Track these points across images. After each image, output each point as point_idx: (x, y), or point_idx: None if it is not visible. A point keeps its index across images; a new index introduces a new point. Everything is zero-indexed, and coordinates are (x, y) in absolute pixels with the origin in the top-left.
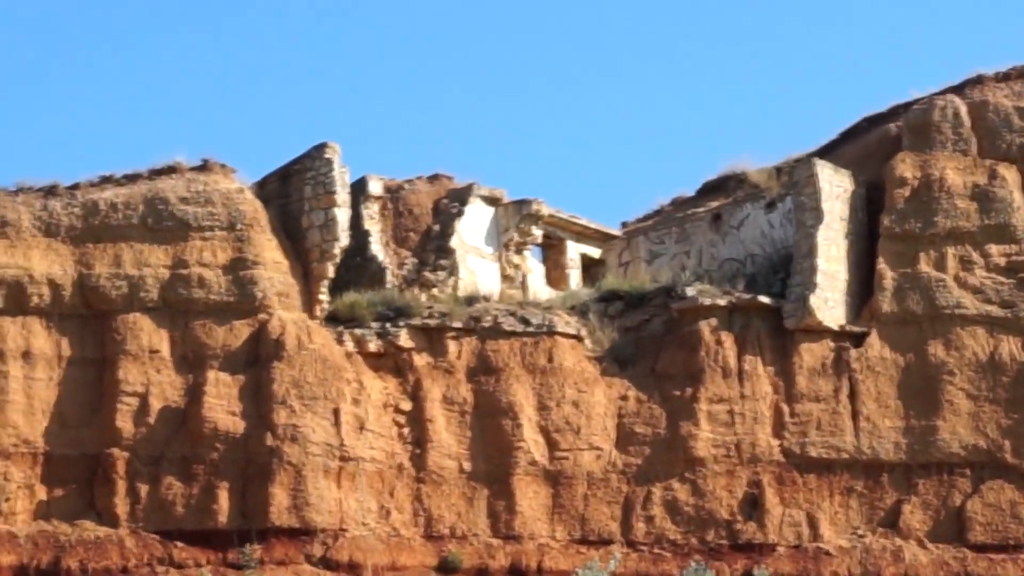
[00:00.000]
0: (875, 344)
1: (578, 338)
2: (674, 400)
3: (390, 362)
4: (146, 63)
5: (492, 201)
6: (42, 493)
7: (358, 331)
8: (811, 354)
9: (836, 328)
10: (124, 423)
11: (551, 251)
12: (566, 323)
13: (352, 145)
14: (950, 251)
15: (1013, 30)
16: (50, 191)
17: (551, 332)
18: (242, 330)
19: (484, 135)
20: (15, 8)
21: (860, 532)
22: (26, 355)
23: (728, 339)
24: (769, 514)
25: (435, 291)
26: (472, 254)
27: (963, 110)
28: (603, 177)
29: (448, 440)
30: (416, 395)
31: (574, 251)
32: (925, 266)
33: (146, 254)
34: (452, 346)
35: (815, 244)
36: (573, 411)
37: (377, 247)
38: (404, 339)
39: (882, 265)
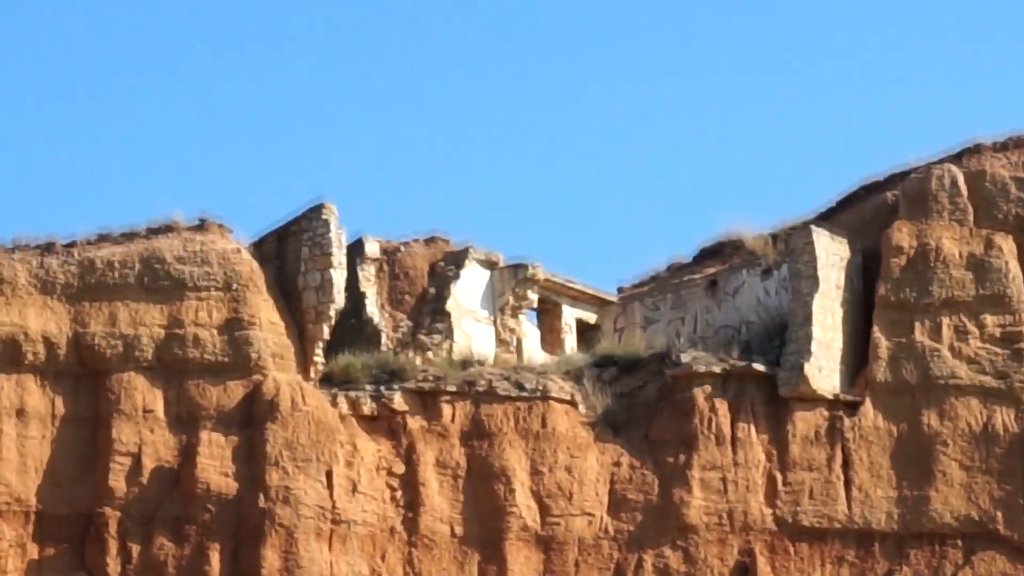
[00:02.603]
0: (869, 413)
1: (572, 403)
2: (667, 466)
3: (384, 425)
4: (145, 121)
5: (488, 264)
6: (34, 551)
7: (352, 393)
8: (805, 422)
9: (830, 396)
10: (117, 482)
11: (546, 315)
12: (560, 388)
13: (349, 206)
14: (945, 321)
15: (1012, 99)
16: (47, 248)
17: (545, 397)
18: (236, 390)
19: (481, 197)
20: (14, 64)
21: None
22: (20, 412)
23: (722, 406)
24: None
25: (430, 354)
26: (467, 317)
27: (960, 179)
28: (600, 241)
29: (441, 504)
30: (409, 458)
31: (569, 315)
32: (920, 335)
33: (141, 313)
34: (446, 409)
35: (810, 312)
36: (566, 476)
37: (373, 309)
38: (398, 402)
39: (877, 334)
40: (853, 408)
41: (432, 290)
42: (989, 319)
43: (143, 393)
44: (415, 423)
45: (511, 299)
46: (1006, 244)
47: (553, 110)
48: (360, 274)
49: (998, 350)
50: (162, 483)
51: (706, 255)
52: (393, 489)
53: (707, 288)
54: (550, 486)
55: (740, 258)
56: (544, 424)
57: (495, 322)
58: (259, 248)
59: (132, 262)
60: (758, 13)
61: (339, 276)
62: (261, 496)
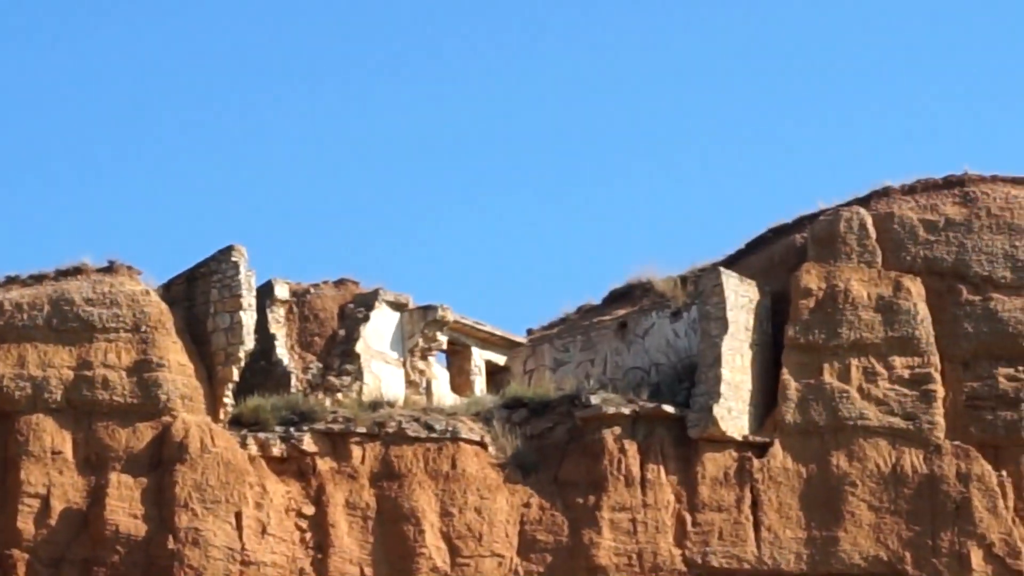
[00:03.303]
0: (778, 454)
1: (482, 445)
2: (577, 508)
3: (293, 466)
4: (54, 164)
5: (398, 307)
6: None
7: (262, 435)
8: (714, 463)
9: (739, 438)
10: (25, 524)
11: (456, 357)
12: (470, 429)
13: (258, 248)
14: (854, 362)
15: (919, 143)
16: None
17: (455, 438)
18: (145, 432)
19: (391, 241)
20: None
21: None
22: None
23: (632, 447)
24: None
25: (340, 396)
26: (377, 359)
27: (869, 221)
28: (509, 284)
29: (350, 545)
30: (319, 500)
31: (479, 358)
32: (829, 377)
33: (51, 355)
34: (356, 451)
35: (720, 354)
36: (476, 517)
37: (282, 351)
38: (308, 443)
39: (786, 375)
40: (762, 449)
41: (342, 332)
42: (898, 361)
43: (52, 435)
44: (325, 464)
45: (420, 341)
46: (914, 286)
47: (465, 156)
48: (270, 316)
49: (907, 391)
50: (71, 525)
51: (616, 297)
52: (303, 531)
53: (617, 330)
54: (460, 527)
55: (650, 300)
56: (454, 465)
57: (405, 364)
58: (168, 290)
59: (41, 304)
60: (667, 57)
61: (249, 318)
62: (170, 538)
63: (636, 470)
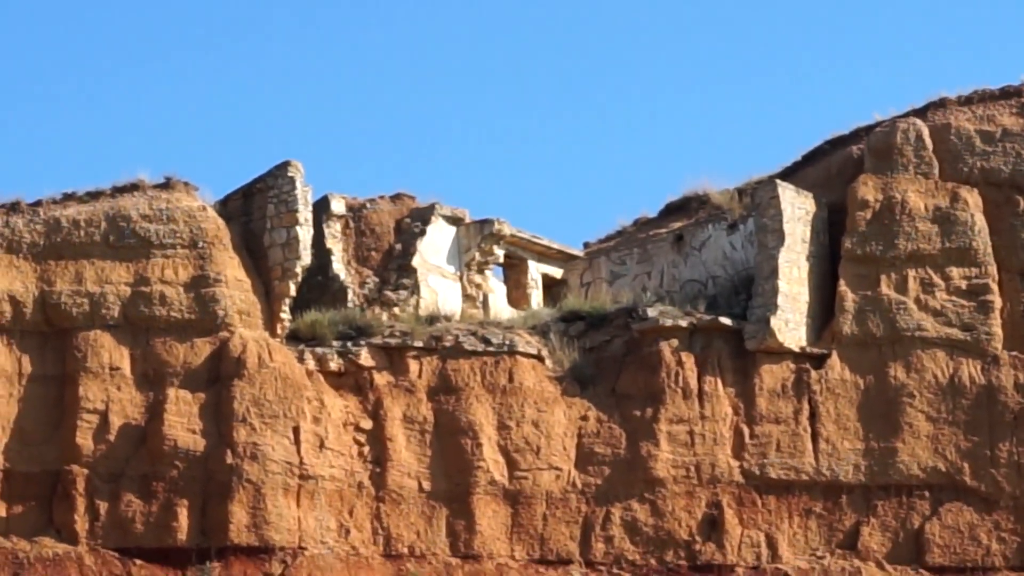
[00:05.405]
0: (836, 366)
1: (539, 358)
2: (634, 420)
3: (351, 381)
4: (111, 81)
5: (454, 221)
6: (1, 510)
7: (319, 350)
8: (772, 375)
9: (797, 350)
10: (84, 440)
11: (513, 271)
12: (527, 343)
13: (315, 164)
14: (911, 274)
15: (976, 54)
16: (13, 208)
17: (512, 352)
18: (203, 348)
19: (447, 155)
20: None
21: (819, 553)
22: None
23: (689, 360)
24: (728, 535)
25: (396, 310)
26: (434, 273)
27: (925, 133)
28: (566, 198)
29: (408, 459)
30: (376, 414)
31: (536, 271)
32: (886, 288)
33: (108, 271)
34: (413, 365)
35: (777, 266)
36: (533, 431)
37: (339, 266)
38: (365, 358)
39: (843, 287)
40: (820, 361)
41: (398, 247)
42: (955, 272)
43: (110, 351)
44: (382, 379)
45: (477, 255)
46: (971, 197)
47: (520, 69)
48: (326, 231)
49: (964, 303)
50: (129, 440)
51: (672, 210)
52: (360, 445)
53: (673, 243)
54: (517, 441)
55: (706, 213)
56: (511, 379)
57: (461, 278)
58: (225, 206)
59: (98, 221)
60: None
61: (305, 233)
62: (228, 452)
63: (693, 382)
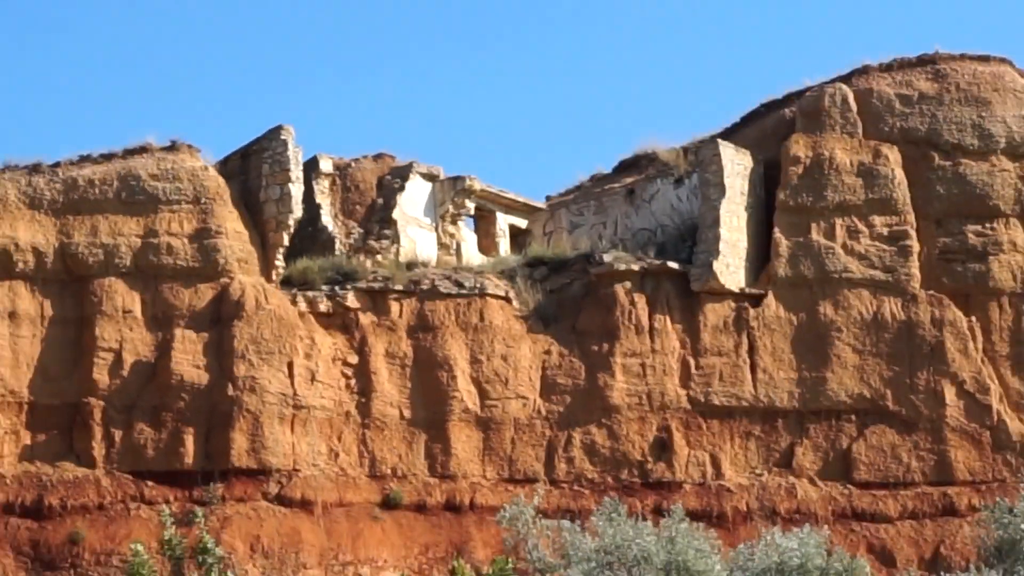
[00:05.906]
0: (771, 305)
1: (506, 299)
2: (592, 354)
3: (338, 321)
4: (122, 52)
5: (430, 178)
6: (27, 438)
7: (310, 293)
8: (714, 313)
9: (737, 290)
10: (100, 376)
11: (483, 222)
12: (496, 286)
13: (305, 128)
14: (838, 222)
15: (896, 24)
16: (34, 168)
17: (482, 294)
18: (206, 292)
19: (424, 119)
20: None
21: (758, 471)
22: (12, 315)
23: (641, 300)
24: (677, 455)
25: (379, 257)
26: (412, 225)
27: (850, 97)
28: (530, 156)
29: (390, 390)
30: (362, 350)
31: (503, 222)
32: (816, 235)
33: (120, 225)
34: (394, 306)
35: (718, 216)
36: (502, 364)
37: (327, 218)
38: (351, 300)
39: (778, 234)
40: (757, 300)
41: (380, 201)
42: (877, 220)
43: (123, 296)
44: (366, 319)
45: (451, 208)
46: (892, 154)
47: (488, 39)
48: (315, 187)
49: (886, 247)
50: (141, 376)
51: (625, 167)
52: (348, 378)
53: (626, 196)
54: (488, 373)
55: (655, 169)
56: (482, 318)
57: (436, 228)
58: (224, 166)
59: (111, 180)
60: None
61: (297, 190)
62: (230, 386)
63: (645, 320)
